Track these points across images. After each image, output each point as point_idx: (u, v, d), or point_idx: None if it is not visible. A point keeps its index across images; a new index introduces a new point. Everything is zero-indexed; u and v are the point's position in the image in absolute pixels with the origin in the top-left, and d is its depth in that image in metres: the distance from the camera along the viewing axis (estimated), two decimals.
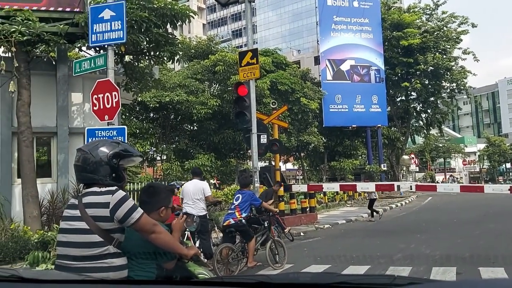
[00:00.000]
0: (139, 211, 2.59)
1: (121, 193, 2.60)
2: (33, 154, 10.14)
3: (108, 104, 8.62)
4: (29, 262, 7.87)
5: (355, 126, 31.58)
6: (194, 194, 8.47)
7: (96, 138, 8.31)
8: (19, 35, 9.28)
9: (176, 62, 12.38)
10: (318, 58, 33.02)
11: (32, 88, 9.99)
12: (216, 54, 22.48)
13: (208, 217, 8.94)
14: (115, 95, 8.62)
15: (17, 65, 9.75)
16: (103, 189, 2.61)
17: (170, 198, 3.02)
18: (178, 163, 21.63)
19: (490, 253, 8.69)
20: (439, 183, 42.24)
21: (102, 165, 2.63)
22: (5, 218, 9.50)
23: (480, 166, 63.32)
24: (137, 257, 2.68)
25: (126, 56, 11.40)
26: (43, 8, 10.40)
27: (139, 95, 13.95)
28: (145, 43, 10.84)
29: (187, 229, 8.06)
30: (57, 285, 1.68)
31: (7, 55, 9.97)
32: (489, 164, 61.44)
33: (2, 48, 9.82)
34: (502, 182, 54.88)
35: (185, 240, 8.06)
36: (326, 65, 31.45)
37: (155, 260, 2.70)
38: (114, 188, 2.62)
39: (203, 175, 9.33)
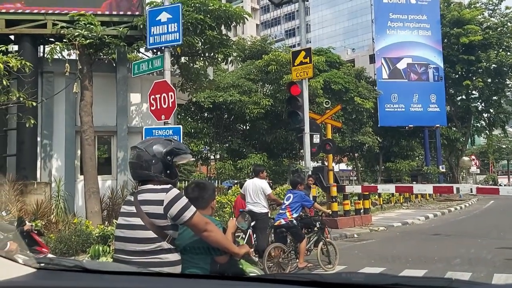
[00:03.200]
0: (192, 209, 2.64)
1: (175, 191, 2.66)
2: (95, 152, 10.64)
3: (164, 104, 8.89)
4: (90, 255, 8.25)
5: (412, 126, 30.60)
6: (254, 192, 8.50)
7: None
8: (83, 39, 9.78)
9: (230, 63, 12.54)
10: (373, 56, 32.32)
11: (94, 89, 10.47)
12: (270, 54, 22.55)
13: (269, 215, 8.91)
14: (171, 95, 8.87)
15: (80, 67, 10.27)
16: (158, 186, 2.68)
17: (215, 192, 3.14)
18: (231, 162, 21.90)
19: None
20: (502, 185, 40.14)
21: (157, 162, 2.70)
22: (68, 212, 10.01)
23: None
24: (190, 253, 2.75)
25: (182, 58, 11.70)
26: (105, 12, 10.87)
27: (194, 95, 14.26)
28: (200, 44, 11.07)
29: (241, 227, 8.12)
30: (116, 276, 1.76)
31: (71, 57, 10.51)
32: None
33: (68, 51, 10.38)
34: None
35: (246, 238, 8.16)
36: (382, 63, 30.70)
37: (208, 255, 2.75)
38: (168, 186, 2.69)
39: (264, 171, 9.28)
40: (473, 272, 7.52)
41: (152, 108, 9.08)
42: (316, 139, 13.49)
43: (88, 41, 9.83)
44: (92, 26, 9.89)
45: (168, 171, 2.74)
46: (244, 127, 24.53)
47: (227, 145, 24.15)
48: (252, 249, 7.76)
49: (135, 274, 1.88)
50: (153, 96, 9.03)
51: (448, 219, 18.21)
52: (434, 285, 1.50)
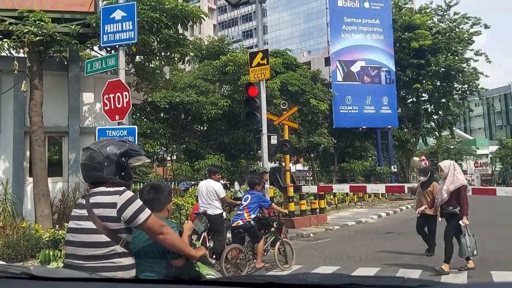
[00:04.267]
0: (147, 211, 2.58)
1: (129, 194, 2.60)
2: (45, 153, 10.24)
3: (119, 104, 8.69)
4: (40, 260, 7.95)
5: (365, 127, 31.41)
6: (207, 194, 8.47)
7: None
8: (32, 36, 9.39)
9: (187, 63, 12.42)
10: (328, 59, 32.88)
11: (44, 88, 10.10)
12: (227, 55, 22.51)
13: (224, 216, 8.88)
14: (125, 95, 8.68)
15: (30, 65, 9.87)
16: (111, 189, 2.61)
17: (172, 194, 3.08)
18: (188, 163, 21.69)
19: (503, 257, 8.59)
20: None
21: (110, 164, 2.62)
22: (17, 216, 9.61)
23: (492, 168, 62.64)
24: (145, 256, 2.69)
25: (137, 57, 11.47)
26: (56, 9, 10.48)
27: (149, 95, 14.02)
28: (156, 43, 10.90)
29: (198, 229, 8.06)
30: (67, 283, 1.69)
31: (20, 55, 10.09)
32: (501, 166, 60.76)
33: (15, 49, 9.94)
34: None
35: (200, 240, 8.10)
36: (337, 66, 31.34)
37: (164, 259, 2.70)
38: (122, 188, 2.62)
39: (219, 174, 9.23)
40: (423, 269, 7.79)
41: (106, 108, 8.85)
42: (274, 140, 13.59)
43: (38, 38, 9.45)
44: (42, 23, 9.51)
45: (122, 173, 2.67)
46: (202, 128, 24.36)
47: (184, 146, 23.90)
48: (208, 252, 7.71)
49: (86, 280, 1.82)
50: (106, 96, 8.81)
51: (399, 217, 18.81)
52: (388, 284, 1.54)
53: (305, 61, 48.29)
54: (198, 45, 25.29)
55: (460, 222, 7.46)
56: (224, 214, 8.87)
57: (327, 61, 33.29)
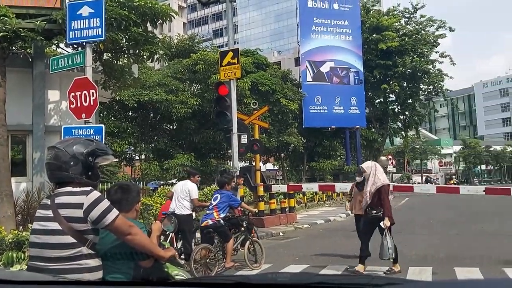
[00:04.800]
0: (114, 212, 2.54)
1: (95, 194, 2.55)
2: (8, 153, 9.93)
3: (85, 102, 8.50)
4: (3, 262, 7.71)
5: (334, 127, 31.84)
6: (181, 193, 8.42)
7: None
8: None
9: (156, 61, 12.26)
10: (298, 59, 33.17)
11: (8, 85, 9.77)
12: (197, 53, 22.37)
13: (194, 217, 8.84)
14: (92, 93, 8.51)
15: None
16: (77, 189, 2.55)
17: (140, 194, 3.05)
18: (157, 163, 21.46)
19: (465, 253, 8.87)
20: (415, 183, 42.94)
21: (76, 163, 2.56)
22: None
23: (455, 167, 64.57)
24: (112, 258, 2.64)
25: (105, 54, 11.25)
26: (21, 4, 10.17)
27: (117, 93, 13.79)
28: (124, 41, 10.72)
29: (167, 230, 8.01)
30: (31, 286, 1.65)
31: None
32: (464, 165, 62.70)
33: None
34: (477, 184, 56.18)
35: (168, 241, 8.03)
36: (307, 66, 31.62)
37: (131, 260, 2.66)
38: (88, 188, 2.57)
39: (198, 176, 9.21)
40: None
41: (72, 106, 8.65)
42: (244, 139, 13.60)
43: (1, 34, 9.14)
44: (6, 19, 9.20)
45: (89, 173, 2.62)
46: (171, 127, 24.14)
47: (153, 145, 23.63)
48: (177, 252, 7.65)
49: (51, 283, 1.77)
50: (73, 94, 8.61)
51: None
52: (356, 282, 1.56)
53: (276, 61, 48.52)
54: (168, 43, 25.03)
55: (381, 223, 7.22)
56: (193, 214, 8.84)
57: (297, 61, 33.61)
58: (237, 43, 69.60)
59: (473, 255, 8.64)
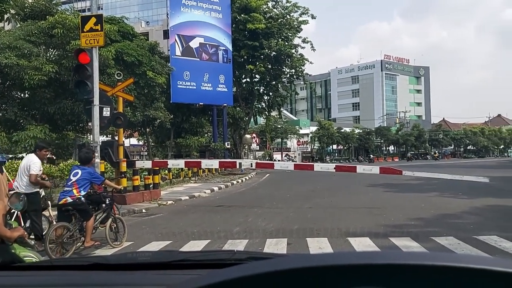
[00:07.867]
0: None
1: None
2: None
3: None
4: None
5: (202, 104, 31.95)
6: (22, 169, 7.71)
7: None
8: None
9: (6, 21, 10.90)
10: (167, 32, 32.34)
11: None
12: (55, 16, 20.38)
13: (40, 194, 8.16)
14: None
15: None
16: None
17: None
18: (5, 134, 19.29)
19: (316, 225, 9.69)
20: (276, 160, 45.51)
21: None
22: None
23: (311, 146, 69.87)
24: None
25: None
26: None
27: None
28: None
29: (15, 208, 7.27)
30: None
31: None
32: (319, 145, 68.18)
33: None
34: (329, 161, 61.67)
35: (13, 219, 7.29)
36: (176, 40, 31.01)
37: None
38: None
39: (46, 150, 8.37)
40: (249, 239, 8.35)
41: None
42: (106, 112, 12.90)
43: None
44: None
45: None
46: (22, 95, 21.79)
47: (0, 114, 21.13)
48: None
49: None
50: None
51: (230, 191, 19.79)
52: (218, 258, 1.58)
53: (143, 31, 46.69)
54: (21, 2, 22.35)
55: None
56: (41, 192, 8.19)
57: (166, 34, 32.81)
58: (101, 9, 65.25)
59: (323, 227, 9.49)
